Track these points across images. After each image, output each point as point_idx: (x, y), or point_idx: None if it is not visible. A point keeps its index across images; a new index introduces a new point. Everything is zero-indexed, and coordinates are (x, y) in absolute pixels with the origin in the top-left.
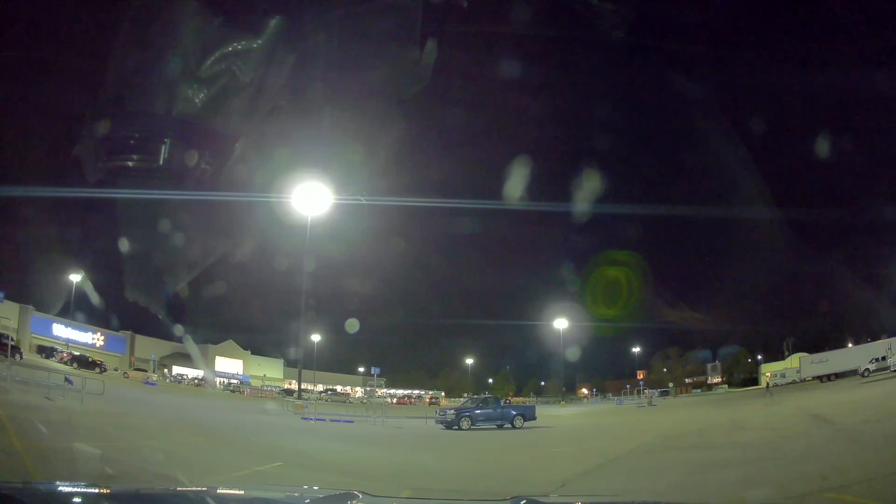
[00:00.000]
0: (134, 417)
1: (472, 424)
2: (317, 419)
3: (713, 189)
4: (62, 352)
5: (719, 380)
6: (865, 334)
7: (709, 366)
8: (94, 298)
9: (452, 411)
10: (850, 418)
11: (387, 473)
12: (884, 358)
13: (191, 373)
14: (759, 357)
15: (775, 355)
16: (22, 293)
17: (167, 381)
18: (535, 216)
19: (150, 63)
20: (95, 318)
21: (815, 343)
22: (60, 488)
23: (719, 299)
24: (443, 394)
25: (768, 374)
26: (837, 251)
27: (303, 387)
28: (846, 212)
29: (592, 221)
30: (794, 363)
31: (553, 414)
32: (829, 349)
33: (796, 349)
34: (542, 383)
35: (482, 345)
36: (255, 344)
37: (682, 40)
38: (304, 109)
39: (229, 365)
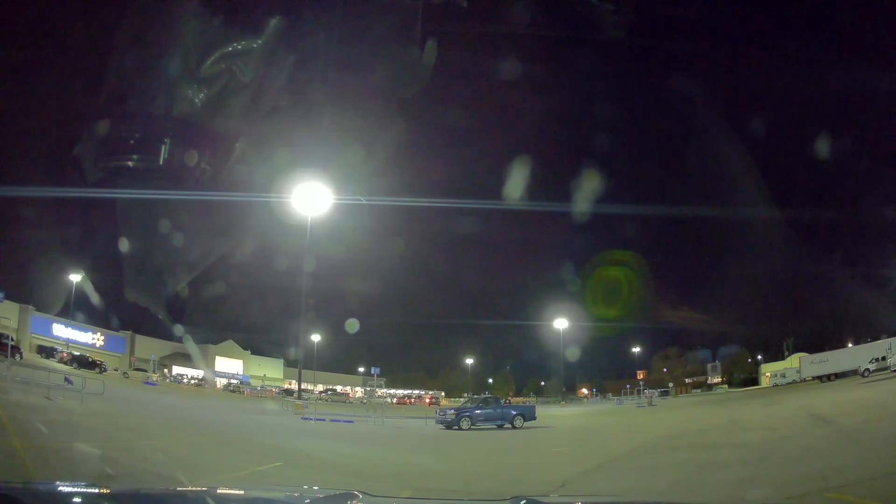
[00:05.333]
0: (134, 417)
1: (472, 424)
2: (317, 419)
3: (713, 189)
4: (62, 352)
5: (719, 380)
6: (865, 334)
7: (709, 366)
8: (94, 298)
9: (452, 411)
10: (849, 418)
11: (387, 473)
12: (884, 358)
13: (191, 373)
14: (759, 357)
15: (775, 355)
16: (22, 293)
17: (167, 381)
18: (535, 216)
19: (150, 63)
20: (95, 318)
21: (815, 343)
22: (60, 488)
23: (719, 299)
24: (443, 394)
25: (768, 373)
26: (837, 251)
27: (303, 387)
28: (846, 212)
29: (592, 221)
30: (794, 363)
31: (553, 414)
32: (829, 349)
33: (796, 349)
34: (542, 383)
35: (482, 345)
36: (255, 344)
37: (682, 40)
38: (304, 109)
39: (229, 365)
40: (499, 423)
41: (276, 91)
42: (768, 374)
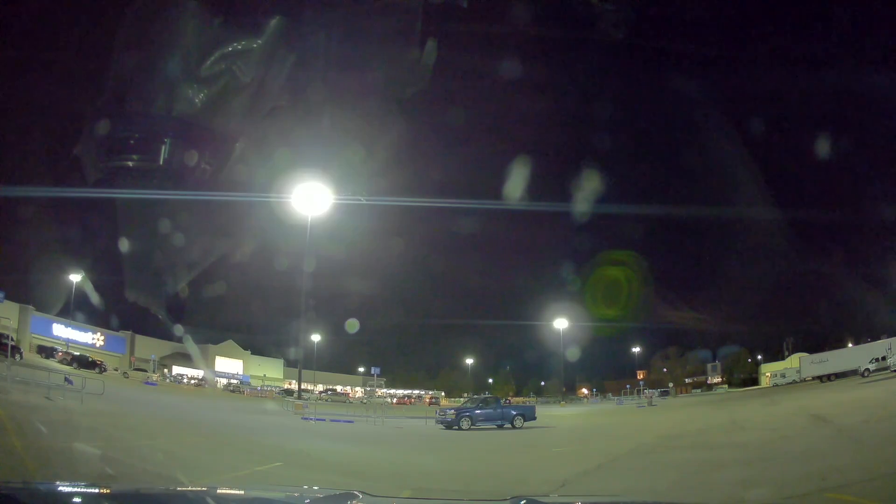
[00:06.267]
0: (134, 417)
1: (472, 424)
2: (317, 419)
3: (713, 189)
4: (59, 351)
5: (719, 380)
6: (865, 334)
7: (709, 366)
8: (94, 298)
9: (452, 411)
10: (850, 418)
11: (387, 473)
12: (884, 358)
13: (191, 373)
14: (759, 357)
15: (775, 355)
16: (22, 293)
17: (167, 381)
18: (535, 216)
19: (150, 63)
20: (95, 318)
21: (815, 343)
22: (60, 488)
23: (719, 299)
24: (443, 394)
25: (768, 373)
26: (837, 251)
27: (303, 387)
28: (846, 212)
29: (592, 221)
30: (794, 363)
31: (553, 414)
32: (829, 349)
33: (796, 349)
34: (542, 383)
35: (482, 345)
36: (255, 344)
37: (682, 40)
38: (304, 109)
39: (229, 365)
40: (499, 423)
41: (276, 91)
42: (768, 374)
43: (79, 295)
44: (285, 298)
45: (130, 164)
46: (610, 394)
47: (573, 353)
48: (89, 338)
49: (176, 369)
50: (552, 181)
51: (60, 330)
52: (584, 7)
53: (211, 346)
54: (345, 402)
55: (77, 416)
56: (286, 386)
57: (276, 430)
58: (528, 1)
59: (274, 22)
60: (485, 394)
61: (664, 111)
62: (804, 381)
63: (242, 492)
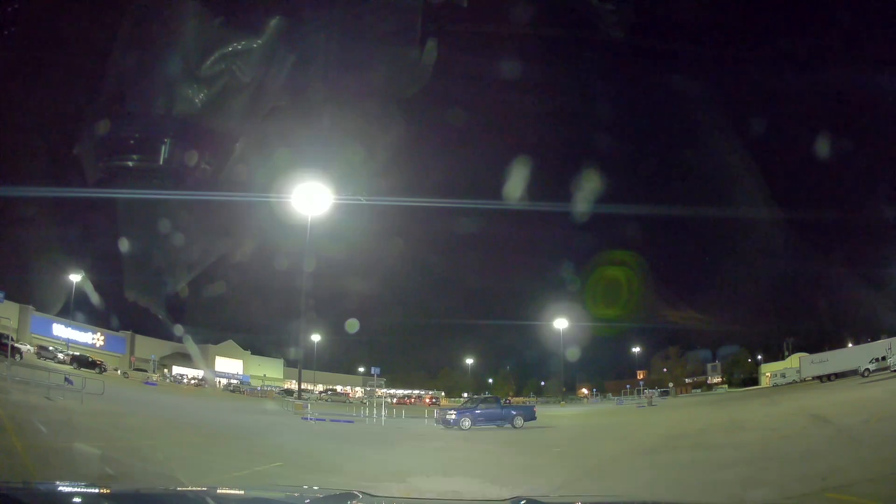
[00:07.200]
0: (134, 417)
1: (472, 424)
2: (317, 419)
3: (713, 189)
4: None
5: (719, 380)
6: (865, 334)
7: (709, 366)
8: (94, 298)
9: (452, 411)
10: (850, 418)
11: (387, 473)
12: (884, 358)
13: (191, 373)
14: (759, 357)
15: (775, 355)
16: (22, 293)
17: (167, 381)
18: (535, 216)
19: (150, 63)
20: (95, 318)
21: (815, 343)
22: (60, 488)
23: (719, 299)
24: (443, 394)
25: (768, 373)
26: (837, 251)
27: (303, 387)
28: (846, 212)
29: (592, 221)
30: (794, 363)
31: (553, 414)
32: (829, 349)
33: (796, 349)
34: (542, 383)
35: (482, 345)
36: (255, 344)
37: (682, 40)
38: (304, 109)
39: (229, 365)
40: (499, 423)
41: (276, 91)
42: (768, 374)
43: (79, 295)
44: (285, 298)
45: (130, 164)
46: (610, 394)
47: (573, 353)
48: (89, 338)
49: (176, 369)
50: (552, 181)
51: (60, 330)
52: (584, 7)
53: (211, 346)
54: (345, 402)
55: (77, 416)
56: (286, 386)
57: (276, 430)
58: (529, 1)
59: (274, 22)
60: (485, 394)
61: (664, 111)
62: (804, 381)
63: (242, 492)
